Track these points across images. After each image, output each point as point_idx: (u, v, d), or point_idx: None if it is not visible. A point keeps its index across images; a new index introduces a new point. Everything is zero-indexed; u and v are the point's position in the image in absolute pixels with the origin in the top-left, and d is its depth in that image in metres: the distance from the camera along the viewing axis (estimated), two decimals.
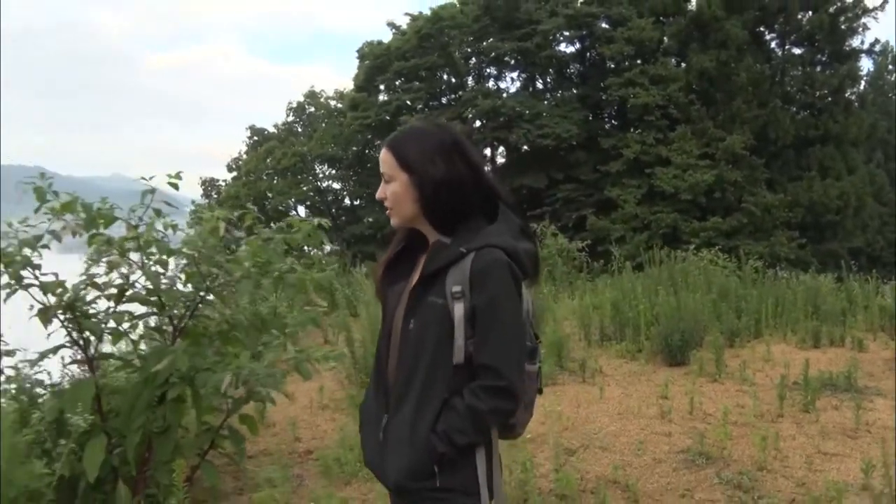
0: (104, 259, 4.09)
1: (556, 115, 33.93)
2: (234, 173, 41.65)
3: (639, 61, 33.51)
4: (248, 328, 4.11)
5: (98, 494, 4.06)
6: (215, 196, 39.74)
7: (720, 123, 30.46)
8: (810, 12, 30.97)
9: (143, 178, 4.10)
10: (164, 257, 4.04)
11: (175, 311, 4.21)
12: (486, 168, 2.05)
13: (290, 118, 43.59)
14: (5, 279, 4.15)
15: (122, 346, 4.72)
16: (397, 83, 37.22)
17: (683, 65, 32.61)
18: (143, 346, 4.50)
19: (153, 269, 4.11)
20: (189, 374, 4.09)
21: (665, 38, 33.11)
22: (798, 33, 31.90)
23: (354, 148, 39.04)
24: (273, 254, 4.28)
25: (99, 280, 4.19)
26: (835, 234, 30.93)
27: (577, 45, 36.56)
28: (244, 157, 41.93)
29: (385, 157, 2.03)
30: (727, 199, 29.47)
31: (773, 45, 33.24)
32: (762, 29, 32.48)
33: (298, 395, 6.46)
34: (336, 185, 41.42)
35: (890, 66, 45.48)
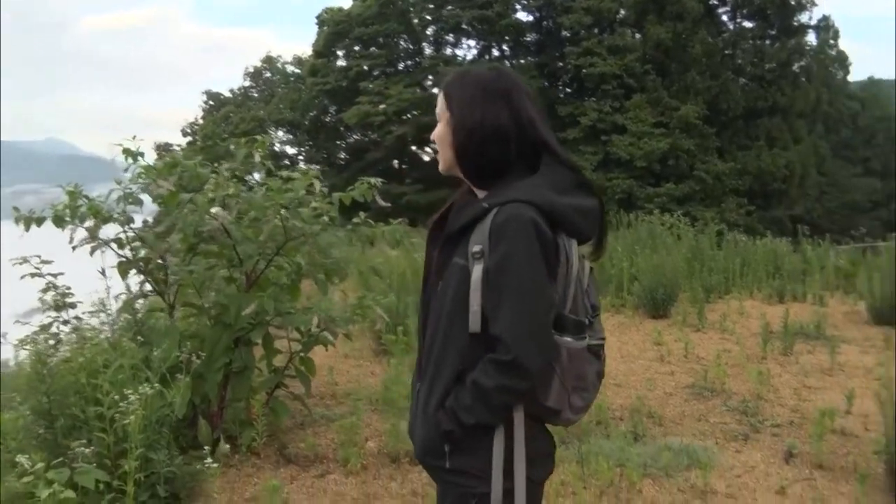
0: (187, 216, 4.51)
1: None
2: (189, 138, 41.41)
3: (596, 31, 34.19)
4: (326, 275, 4.60)
5: (184, 430, 4.50)
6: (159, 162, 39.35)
7: (674, 93, 31.43)
8: None
9: (120, 145, 4.61)
10: (250, 213, 4.46)
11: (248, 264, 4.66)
12: (540, 122, 1.79)
13: (247, 83, 43.36)
14: (82, 234, 4.59)
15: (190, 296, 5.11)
16: (356, 49, 37.29)
17: (639, 36, 33.37)
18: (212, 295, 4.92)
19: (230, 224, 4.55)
20: (264, 319, 4.59)
21: (622, 9, 33.77)
22: (749, 7, 32.91)
23: (313, 113, 39.05)
24: (333, 210, 4.79)
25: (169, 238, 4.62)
26: (780, 202, 32.29)
27: (536, 15, 36.98)
28: (200, 121, 41.64)
29: (439, 97, 1.87)
30: (680, 166, 30.53)
31: (724, 18, 34.23)
32: (716, 2, 33.41)
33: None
34: (291, 150, 41.46)
35: (831, 41, 46.88)
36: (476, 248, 1.65)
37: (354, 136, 39.51)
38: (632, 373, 6.10)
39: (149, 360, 4.06)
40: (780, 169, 31.11)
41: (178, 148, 41.43)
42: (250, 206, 4.41)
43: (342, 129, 38.88)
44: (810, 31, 34.19)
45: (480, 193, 1.79)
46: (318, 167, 38.81)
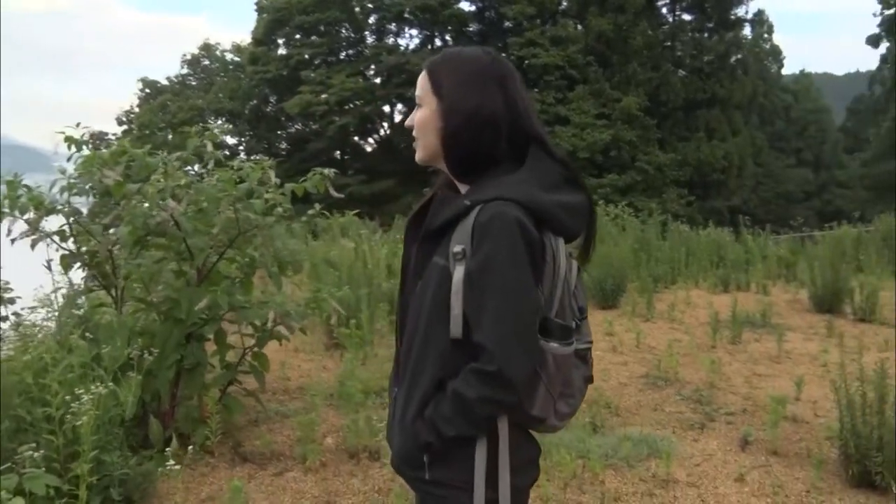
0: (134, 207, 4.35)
1: None
2: (125, 127, 40.38)
3: (538, 21, 34.36)
4: (280, 268, 4.49)
5: (134, 429, 4.35)
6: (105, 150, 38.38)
7: (616, 85, 31.82)
8: None
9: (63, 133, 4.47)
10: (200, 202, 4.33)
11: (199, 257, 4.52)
12: (532, 113, 1.68)
13: (185, 71, 42.44)
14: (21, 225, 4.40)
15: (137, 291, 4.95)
16: (297, 37, 36.83)
17: (581, 27, 33.66)
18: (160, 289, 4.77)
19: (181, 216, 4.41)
20: (217, 314, 4.47)
21: (564, 0, 34.01)
22: (689, 0, 33.44)
23: (253, 102, 38.47)
24: (285, 201, 4.69)
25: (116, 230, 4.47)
26: (719, 193, 32.97)
27: (479, 4, 37.01)
28: (136, 110, 40.64)
29: (420, 79, 1.72)
30: (622, 157, 30.95)
31: (664, 10, 34.73)
32: None
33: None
34: (232, 140, 40.79)
35: (765, 35, 48.02)
36: (457, 249, 1.54)
37: (296, 126, 39.05)
38: None
39: (99, 358, 3.93)
40: (719, 160, 31.80)
41: (113, 137, 40.53)
42: (202, 197, 4.27)
43: (283, 118, 38.42)
44: (746, 24, 34.93)
45: (462, 188, 1.68)
46: (259, 157, 38.25)
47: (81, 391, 3.17)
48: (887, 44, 39.55)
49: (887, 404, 3.55)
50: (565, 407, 1.66)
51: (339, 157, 37.98)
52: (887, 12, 36.67)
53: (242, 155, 39.85)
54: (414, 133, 1.72)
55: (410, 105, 37.48)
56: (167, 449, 3.56)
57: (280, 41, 37.42)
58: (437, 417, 1.56)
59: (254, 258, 4.60)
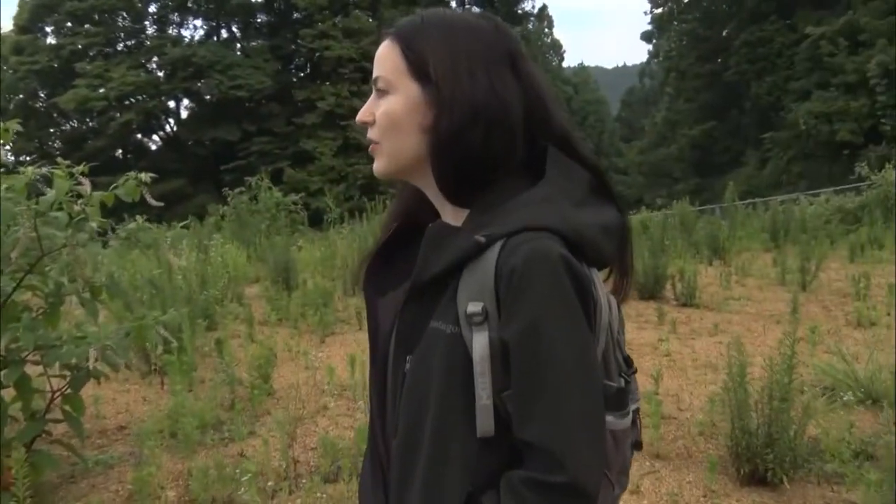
0: None
1: (248, 65, 33.21)
2: None
3: (329, 13, 33.79)
4: (93, 294, 3.78)
5: None
6: None
7: None
8: None
9: None
10: None
11: None
12: (553, 100, 1.18)
13: None
14: None
15: None
16: (69, 25, 33.90)
17: (373, 20, 33.48)
18: None
19: None
20: (18, 356, 3.69)
21: None
22: None
23: (20, 97, 35.01)
24: (95, 213, 3.97)
25: None
26: None
27: None
28: None
29: (385, 53, 1.16)
30: None
31: (454, 3, 35.31)
32: None
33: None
34: None
35: (546, 30, 50.45)
36: (473, 308, 1.04)
37: (71, 124, 35.99)
38: None
39: None
40: None
41: None
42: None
43: (56, 115, 35.22)
44: (533, 19, 36.30)
45: (455, 213, 1.16)
46: (28, 158, 34.88)
47: None
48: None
49: (775, 399, 3.48)
50: (618, 488, 1.21)
51: (121, 156, 35.46)
52: (657, 10, 39.49)
53: (9, 156, 36.24)
54: (372, 133, 1.18)
55: (198, 99, 35.70)
56: None
57: (49, 29, 34.27)
58: None
59: (61, 284, 3.84)
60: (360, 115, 1.18)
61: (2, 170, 3.78)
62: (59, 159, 3.83)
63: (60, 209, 3.74)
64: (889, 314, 6.85)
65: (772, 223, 12.73)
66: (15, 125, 3.97)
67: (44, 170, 3.91)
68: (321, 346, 6.44)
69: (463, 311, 1.05)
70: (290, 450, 3.89)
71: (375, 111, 1.17)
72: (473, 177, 1.13)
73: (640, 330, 7.03)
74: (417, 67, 1.13)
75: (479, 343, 1.04)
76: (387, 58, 1.16)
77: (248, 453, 4.09)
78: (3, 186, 3.76)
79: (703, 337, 6.55)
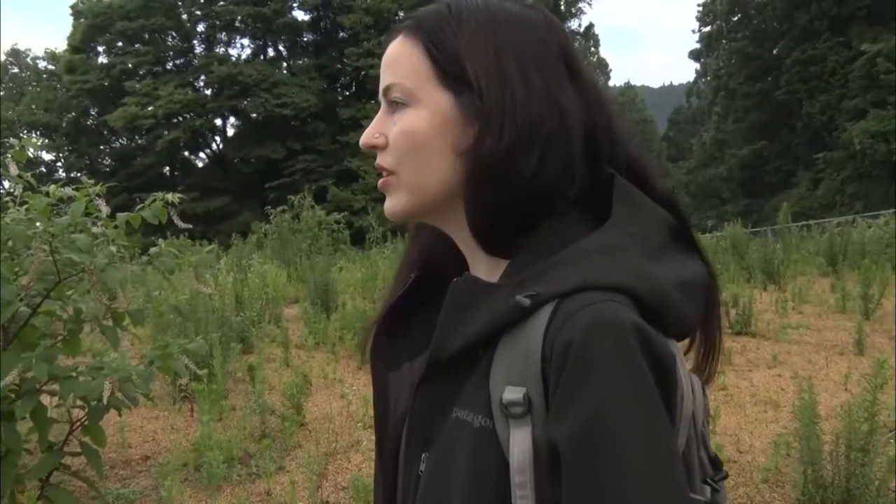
0: None
1: (294, 84, 33.42)
2: None
3: (374, 31, 33.91)
4: (115, 321, 3.59)
5: None
6: None
7: None
8: None
9: None
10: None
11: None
12: (619, 117, 0.91)
13: None
14: None
15: None
16: (119, 44, 34.51)
17: None
18: None
19: None
20: (33, 387, 3.50)
21: (401, 10, 33.76)
22: None
23: (72, 114, 35.72)
24: (119, 235, 3.78)
25: None
26: None
27: (313, 14, 36.15)
28: None
29: (400, 53, 0.88)
30: None
31: None
32: None
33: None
34: (48, 156, 37.74)
35: (593, 49, 50.11)
36: (513, 396, 0.75)
37: (120, 141, 36.61)
38: None
39: None
40: None
41: None
42: (6, 236, 3.31)
43: (106, 132, 35.86)
44: (580, 37, 36.03)
45: (491, 264, 0.87)
46: (81, 176, 35.48)
47: None
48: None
49: (854, 448, 3.13)
50: None
51: (168, 173, 35.93)
52: (704, 29, 38.92)
53: (61, 172, 36.97)
54: (384, 159, 0.89)
55: (244, 117, 36.02)
56: None
57: (100, 49, 34.92)
58: None
59: (80, 310, 3.65)
60: (367, 137, 0.89)
61: (20, 192, 3.60)
62: (83, 178, 3.66)
63: (81, 231, 3.56)
64: None
65: (829, 246, 12.18)
66: (32, 142, 3.79)
67: (67, 190, 3.74)
68: (358, 372, 6.20)
69: (498, 398, 0.77)
70: (318, 490, 3.64)
71: (388, 130, 0.89)
72: (520, 216, 0.84)
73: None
74: (449, 71, 0.85)
75: (520, 443, 0.75)
76: (403, 59, 0.87)
77: (275, 492, 3.85)
78: (24, 208, 3.61)
79: (762, 369, 6.14)
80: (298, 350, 6.80)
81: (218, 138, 38.35)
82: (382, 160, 0.89)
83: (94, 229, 3.61)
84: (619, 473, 0.69)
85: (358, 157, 32.35)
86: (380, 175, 0.91)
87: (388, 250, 12.06)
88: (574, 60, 0.88)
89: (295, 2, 35.07)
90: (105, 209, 3.43)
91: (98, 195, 3.43)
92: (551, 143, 0.82)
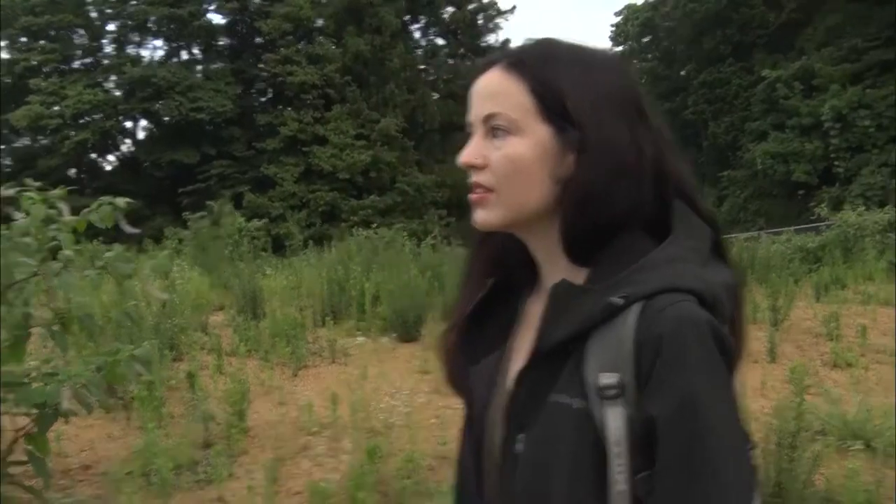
0: None
1: (209, 88, 32.85)
2: None
3: (292, 38, 33.67)
4: (64, 326, 3.54)
5: None
6: None
7: (374, 105, 31.95)
8: (452, 7, 33.67)
9: None
10: None
11: None
12: (673, 149, 1.08)
13: None
14: None
15: None
16: (23, 40, 33.23)
17: (337, 47, 33.46)
18: None
19: None
20: None
21: (320, 18, 33.70)
22: (440, 26, 34.48)
23: None
24: (69, 239, 3.74)
25: None
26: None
27: (230, 18, 35.64)
28: None
29: (504, 86, 1.01)
30: (382, 178, 31.06)
31: (417, 35, 35.56)
32: (408, 18, 34.54)
33: None
34: None
35: None
36: (608, 381, 0.91)
37: (23, 141, 35.15)
38: (416, 411, 5.58)
39: None
40: None
41: None
42: None
43: (7, 131, 34.37)
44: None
45: (571, 271, 1.01)
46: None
47: None
48: None
49: (784, 446, 3.38)
50: None
51: (75, 175, 34.71)
52: (617, 49, 40.12)
53: None
54: (484, 178, 1.02)
55: (157, 121, 35.14)
56: None
57: (2, 44, 33.56)
58: None
59: (28, 315, 3.59)
60: (468, 157, 1.03)
61: None
62: (27, 180, 3.60)
63: (27, 234, 3.51)
64: (864, 355, 6.86)
65: (737, 260, 12.76)
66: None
67: (11, 192, 3.68)
68: (294, 379, 6.21)
69: (593, 382, 0.92)
70: (277, 495, 3.68)
71: (488, 153, 1.02)
72: (604, 233, 1.00)
73: None
74: (550, 106, 0.99)
75: (615, 420, 0.91)
76: (508, 92, 1.00)
77: (229, 498, 3.86)
78: None
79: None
80: (230, 357, 6.75)
81: (129, 141, 37.34)
82: (482, 178, 1.02)
83: (49, 233, 3.57)
84: (713, 444, 0.87)
85: (274, 164, 32.03)
86: (471, 190, 1.05)
87: (311, 258, 12.03)
88: (645, 104, 1.05)
89: (211, 5, 34.53)
90: (68, 215, 3.40)
91: (60, 197, 3.40)
92: (632, 174, 0.99)
